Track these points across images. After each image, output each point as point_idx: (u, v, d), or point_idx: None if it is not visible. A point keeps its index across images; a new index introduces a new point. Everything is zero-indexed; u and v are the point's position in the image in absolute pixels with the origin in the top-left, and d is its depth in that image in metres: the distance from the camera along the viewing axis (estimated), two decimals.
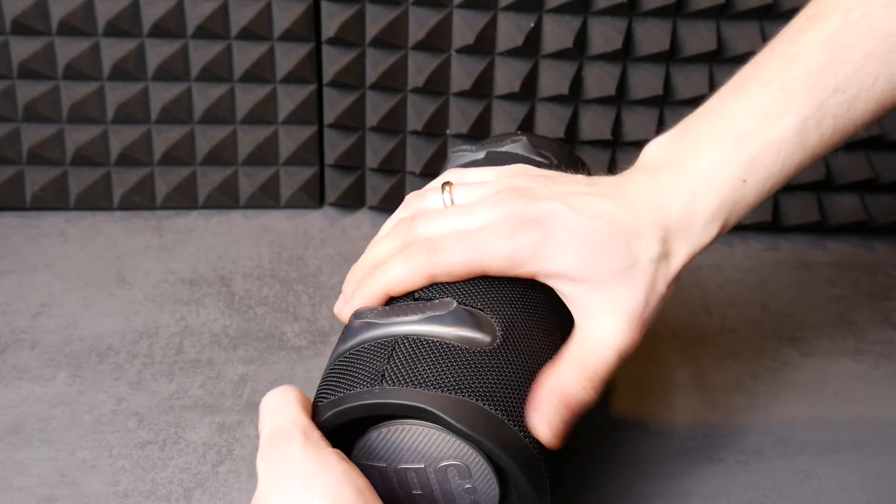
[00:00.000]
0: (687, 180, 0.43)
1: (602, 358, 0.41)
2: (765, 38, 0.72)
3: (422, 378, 0.39)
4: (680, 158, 0.44)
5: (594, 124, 0.74)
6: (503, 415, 0.39)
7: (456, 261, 0.43)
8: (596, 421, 0.57)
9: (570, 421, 0.40)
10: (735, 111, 0.44)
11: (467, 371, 0.39)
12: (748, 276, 0.73)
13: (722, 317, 0.68)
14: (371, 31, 0.72)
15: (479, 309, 0.42)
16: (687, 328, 0.66)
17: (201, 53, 0.72)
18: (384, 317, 0.42)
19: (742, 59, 0.73)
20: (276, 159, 0.77)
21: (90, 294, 0.67)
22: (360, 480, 0.36)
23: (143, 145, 0.75)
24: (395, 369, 0.39)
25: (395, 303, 0.43)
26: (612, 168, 0.76)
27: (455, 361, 0.40)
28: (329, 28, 0.72)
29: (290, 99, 0.75)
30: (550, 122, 0.74)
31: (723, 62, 0.73)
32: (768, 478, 0.53)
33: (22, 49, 0.71)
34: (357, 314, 0.43)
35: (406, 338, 0.41)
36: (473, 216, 0.44)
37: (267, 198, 0.78)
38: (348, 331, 0.43)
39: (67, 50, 0.71)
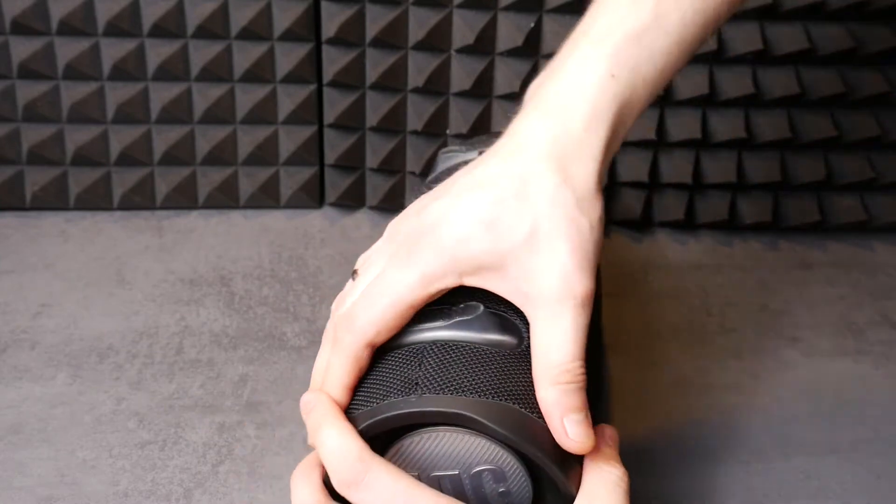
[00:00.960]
0: (554, 97, 0.42)
1: (559, 355, 0.38)
2: (765, 38, 0.72)
3: (456, 384, 0.38)
4: (546, 81, 0.43)
5: None
6: (538, 416, 0.39)
7: (375, 317, 0.40)
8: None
9: (583, 412, 0.39)
10: (594, 21, 0.43)
11: (500, 375, 0.39)
12: (748, 276, 0.73)
13: (722, 317, 0.68)
14: (371, 31, 0.72)
15: (503, 312, 0.42)
16: (687, 328, 0.66)
17: (201, 53, 0.72)
18: (409, 324, 0.41)
19: (742, 59, 0.73)
20: (276, 159, 0.77)
21: (90, 294, 0.67)
22: None
23: (143, 145, 0.75)
24: (427, 376, 0.39)
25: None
26: (613, 169, 0.76)
27: (487, 365, 0.39)
28: (329, 28, 0.72)
29: (290, 99, 0.75)
30: None
31: (723, 62, 0.73)
32: (768, 478, 0.53)
33: (22, 49, 0.71)
34: None
35: (435, 344, 0.40)
36: (375, 267, 0.42)
37: (267, 198, 0.78)
38: None
39: (67, 50, 0.71)
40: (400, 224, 0.44)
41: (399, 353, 0.40)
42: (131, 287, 0.68)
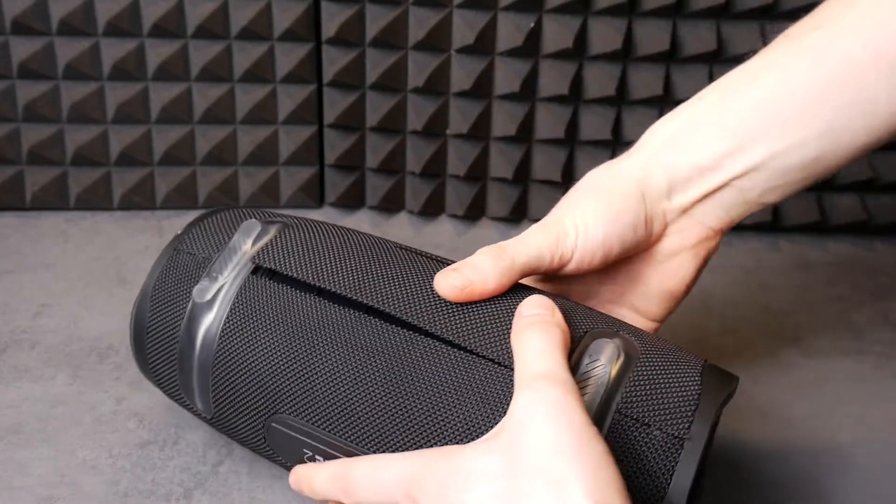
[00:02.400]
0: None
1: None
2: (765, 39, 0.72)
3: None
4: None
5: (594, 124, 0.74)
6: None
7: None
8: None
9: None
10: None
11: None
12: (748, 277, 0.73)
13: (722, 317, 0.68)
14: (371, 31, 0.72)
15: None
16: (687, 328, 0.66)
17: (201, 53, 0.72)
18: None
19: (742, 59, 0.73)
20: (276, 159, 0.77)
21: (90, 294, 0.67)
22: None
23: (143, 145, 0.75)
24: None
25: None
26: None
27: None
28: (329, 28, 0.72)
29: (290, 99, 0.75)
30: (550, 122, 0.74)
31: (723, 62, 0.73)
32: (769, 478, 0.53)
33: (22, 49, 0.71)
34: None
35: None
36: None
37: (267, 198, 0.78)
38: None
39: (67, 50, 0.71)
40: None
41: None
42: (131, 287, 0.68)
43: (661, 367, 0.41)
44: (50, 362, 0.60)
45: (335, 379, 0.42)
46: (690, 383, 0.41)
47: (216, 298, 0.46)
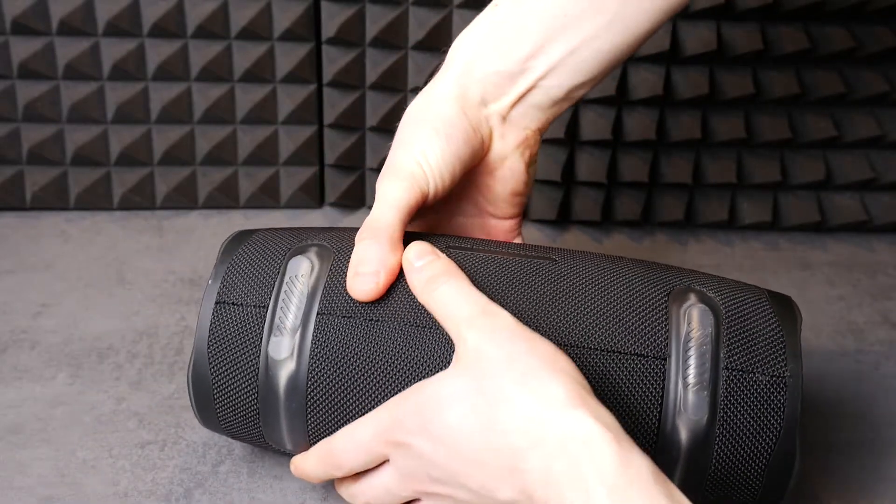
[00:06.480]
0: None
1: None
2: (765, 38, 0.72)
3: None
4: None
5: (594, 124, 0.74)
6: None
7: None
8: None
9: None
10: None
11: None
12: (748, 277, 0.73)
13: None
14: (371, 31, 0.72)
15: None
16: None
17: (201, 53, 0.72)
18: None
19: (742, 59, 0.73)
20: (276, 159, 0.77)
21: (90, 294, 0.67)
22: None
23: (143, 145, 0.75)
24: None
25: None
26: (613, 168, 0.76)
27: None
28: (329, 28, 0.72)
29: (290, 99, 0.75)
30: None
31: (723, 62, 0.73)
32: None
33: (22, 49, 0.71)
34: None
35: None
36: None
37: (267, 198, 0.78)
38: None
39: (67, 50, 0.71)
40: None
41: None
42: (131, 287, 0.68)
43: (742, 313, 0.44)
44: (50, 362, 0.60)
45: None
46: (770, 322, 0.44)
47: (293, 349, 0.45)
